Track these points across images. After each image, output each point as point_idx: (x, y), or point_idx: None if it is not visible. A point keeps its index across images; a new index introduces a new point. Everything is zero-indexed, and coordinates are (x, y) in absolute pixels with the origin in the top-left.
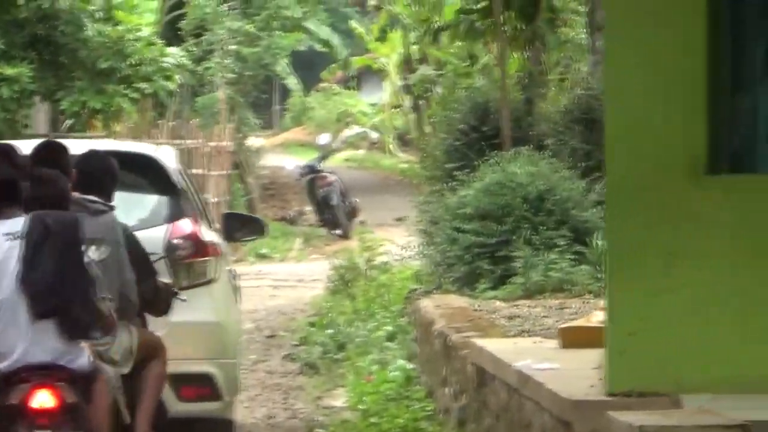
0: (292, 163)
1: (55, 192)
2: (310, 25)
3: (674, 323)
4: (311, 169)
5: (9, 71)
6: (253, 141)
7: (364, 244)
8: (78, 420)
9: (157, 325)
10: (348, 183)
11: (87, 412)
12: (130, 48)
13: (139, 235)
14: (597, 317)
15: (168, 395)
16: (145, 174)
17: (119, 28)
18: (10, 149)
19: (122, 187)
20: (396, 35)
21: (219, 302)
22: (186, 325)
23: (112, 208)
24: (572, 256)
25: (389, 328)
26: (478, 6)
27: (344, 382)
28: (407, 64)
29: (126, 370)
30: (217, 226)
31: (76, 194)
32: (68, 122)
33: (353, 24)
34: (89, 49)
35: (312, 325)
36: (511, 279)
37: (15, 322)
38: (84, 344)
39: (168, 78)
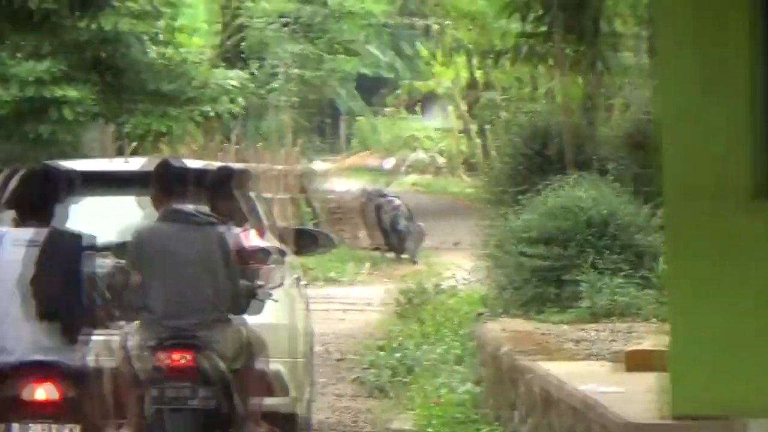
0: (358, 187)
1: None
2: (373, 48)
3: (734, 348)
4: (378, 194)
5: (72, 93)
6: (319, 165)
7: (431, 268)
8: (76, 412)
9: None
10: (415, 207)
11: (84, 405)
12: (193, 71)
13: None
14: (663, 341)
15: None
16: None
17: (181, 50)
18: (51, 171)
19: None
20: (460, 59)
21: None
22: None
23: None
24: (638, 281)
25: (457, 351)
26: (539, 30)
27: (413, 405)
28: (472, 89)
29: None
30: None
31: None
32: (133, 145)
33: (419, 47)
34: (152, 72)
35: (381, 348)
36: (578, 303)
37: (18, 321)
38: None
39: (232, 101)
